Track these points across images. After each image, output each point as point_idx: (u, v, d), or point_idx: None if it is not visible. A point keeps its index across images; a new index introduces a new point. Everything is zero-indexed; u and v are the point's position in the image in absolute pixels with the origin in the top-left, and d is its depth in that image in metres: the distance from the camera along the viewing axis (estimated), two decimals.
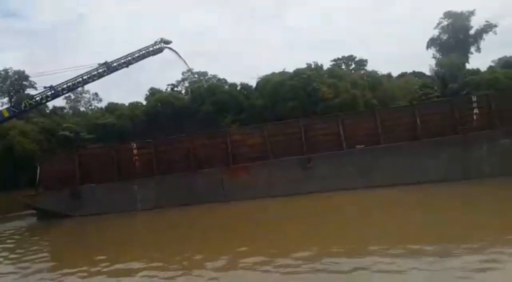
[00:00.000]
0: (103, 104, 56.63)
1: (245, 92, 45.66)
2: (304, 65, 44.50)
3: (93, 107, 60.05)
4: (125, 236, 14.89)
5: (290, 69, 43.66)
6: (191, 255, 10.39)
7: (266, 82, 42.81)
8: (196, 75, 53.34)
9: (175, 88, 56.68)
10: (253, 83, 46.43)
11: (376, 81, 44.24)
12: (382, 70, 52.15)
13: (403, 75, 53.35)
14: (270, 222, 14.51)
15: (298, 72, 41.74)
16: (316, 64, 46.00)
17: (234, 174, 19.39)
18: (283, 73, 43.91)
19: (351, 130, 19.91)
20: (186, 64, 36.24)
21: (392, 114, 20.73)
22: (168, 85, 56.95)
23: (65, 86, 25.41)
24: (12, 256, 12.91)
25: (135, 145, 20.86)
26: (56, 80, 26.76)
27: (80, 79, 25.68)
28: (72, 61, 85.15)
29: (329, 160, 19.01)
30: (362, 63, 54.44)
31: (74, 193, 19.29)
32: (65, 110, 54.39)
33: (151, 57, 28.91)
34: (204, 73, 56.08)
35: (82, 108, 59.03)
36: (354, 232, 11.18)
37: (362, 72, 51.25)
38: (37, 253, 12.91)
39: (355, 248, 9.32)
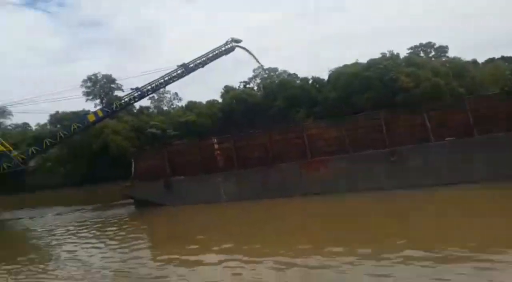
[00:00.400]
0: (183, 103, 60.31)
1: (317, 85, 45.40)
2: (378, 56, 43.00)
3: (174, 106, 64.21)
4: (217, 225, 15.96)
5: (363, 60, 42.50)
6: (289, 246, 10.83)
7: (339, 75, 42.14)
8: (267, 71, 54.20)
9: (247, 85, 58.32)
10: (324, 76, 46.03)
11: (460, 69, 41.09)
12: (466, 56, 48.05)
13: (491, 61, 48.78)
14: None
15: (372, 63, 40.42)
16: (392, 53, 44.06)
17: (312, 167, 19.33)
18: (356, 64, 42.84)
19: (438, 122, 18.47)
20: (257, 61, 37.00)
21: (485, 103, 18.72)
22: (241, 82, 58.89)
23: (149, 87, 27.52)
24: (111, 242, 14.61)
25: (216, 140, 22.16)
26: (140, 82, 29.15)
27: (162, 80, 27.57)
28: (153, 64, 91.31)
29: (415, 153, 17.84)
30: (442, 50, 50.90)
31: (167, 184, 21.01)
32: (150, 110, 58.86)
33: (223, 57, 30.04)
34: (275, 69, 56.85)
35: (165, 107, 63.41)
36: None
37: (444, 59, 47.88)
38: (136, 239, 14.41)
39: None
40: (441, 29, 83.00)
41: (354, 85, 38.79)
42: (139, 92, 27.20)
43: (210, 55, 28.58)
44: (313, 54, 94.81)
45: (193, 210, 19.24)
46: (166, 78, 27.61)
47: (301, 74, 49.54)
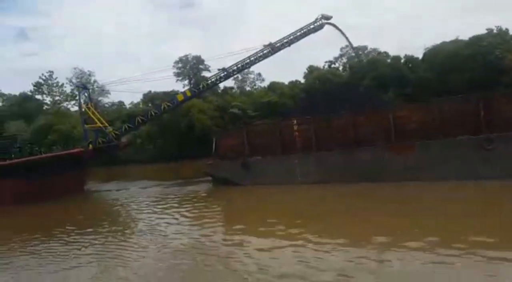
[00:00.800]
0: (265, 84, 60.56)
1: (410, 65, 41.82)
2: (483, 31, 37.85)
3: (256, 86, 64.84)
4: (291, 207, 15.75)
5: (465, 36, 37.81)
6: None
7: (436, 53, 38.21)
8: (354, 50, 51.44)
9: (332, 65, 56.17)
10: (419, 54, 42.14)
11: None
12: None
13: None
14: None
15: (475, 40, 35.74)
16: (500, 29, 38.41)
17: (398, 151, 18.17)
18: (456, 41, 38.35)
19: None
20: (347, 38, 34.77)
21: None
22: (326, 62, 56.92)
23: (235, 68, 27.61)
24: (186, 216, 15.39)
25: (295, 121, 21.72)
26: (226, 62, 29.59)
27: (248, 60, 27.41)
28: (239, 44, 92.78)
29: None
30: None
31: (244, 164, 21.29)
32: (234, 90, 60.27)
33: (311, 35, 28.93)
34: (364, 47, 53.73)
35: (247, 88, 64.42)
36: None
37: None
38: (209, 216, 14.97)
39: None
40: None
41: (453, 64, 34.86)
42: (225, 73, 27.56)
43: (298, 34, 27.71)
44: (405, 31, 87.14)
45: (268, 191, 19.25)
46: (252, 58, 27.41)
47: (392, 53, 46.13)
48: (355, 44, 48.50)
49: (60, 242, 13.20)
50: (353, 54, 50.80)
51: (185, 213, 15.90)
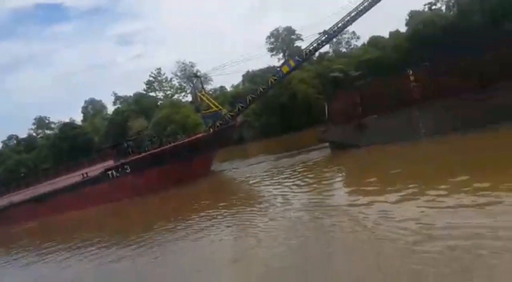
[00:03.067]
0: (361, 42, 57.56)
1: None
2: None
3: (352, 46, 62.05)
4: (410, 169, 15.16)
5: None
6: None
7: None
8: None
9: (433, 7, 50.45)
10: None
11: None
12: None
13: None
14: None
15: None
16: None
17: None
18: None
19: None
20: None
21: None
22: (425, 5, 51.31)
23: (335, 28, 26.45)
24: (307, 183, 15.96)
25: (411, 72, 20.49)
26: (318, 29, 28.26)
27: (349, 17, 26.01)
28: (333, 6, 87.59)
29: None
30: None
31: (360, 125, 20.98)
32: (330, 54, 58.66)
33: None
34: None
35: (343, 50, 62.08)
36: None
37: None
38: (328, 182, 15.41)
39: None
40: None
41: None
42: (326, 36, 26.69)
43: None
44: None
45: (387, 151, 18.74)
46: (353, 14, 25.86)
47: None
48: None
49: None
50: None
51: (307, 180, 16.58)
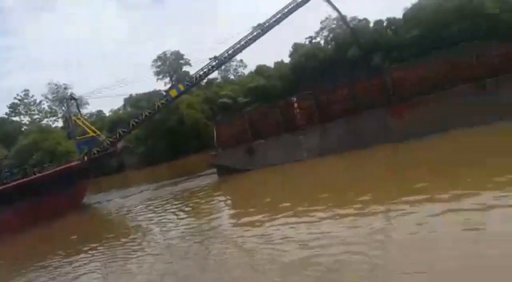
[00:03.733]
0: (248, 70, 59.53)
1: (393, 27, 41.31)
2: None
3: (240, 73, 63.75)
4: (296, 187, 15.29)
5: None
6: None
7: (419, 10, 37.67)
8: (335, 22, 50.55)
9: (313, 40, 55.17)
10: (400, 15, 41.59)
11: None
12: None
13: None
14: None
15: None
16: None
17: (399, 113, 18.53)
18: None
19: None
20: (335, 8, 33.29)
21: None
22: (306, 38, 55.81)
23: (226, 54, 26.67)
24: (190, 213, 14.79)
25: (295, 99, 21.47)
26: (207, 54, 28.14)
27: (239, 45, 26.52)
28: (221, 32, 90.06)
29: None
30: None
31: (249, 149, 20.84)
32: (218, 80, 59.12)
33: (300, 10, 27.82)
34: (343, 18, 52.69)
35: (231, 76, 63.32)
36: None
37: None
38: (216, 204, 14.72)
39: None
40: None
41: (440, 18, 34.35)
42: (216, 61, 26.61)
43: (285, 10, 26.76)
44: None
45: (276, 173, 18.86)
46: (243, 42, 26.44)
47: (372, 18, 45.36)
48: (333, 16, 47.84)
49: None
50: (334, 25, 50.03)
51: (189, 209, 15.41)
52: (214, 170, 22.38)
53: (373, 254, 6.87)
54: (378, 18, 43.55)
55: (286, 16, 26.49)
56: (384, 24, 42.08)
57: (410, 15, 38.92)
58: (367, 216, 8.87)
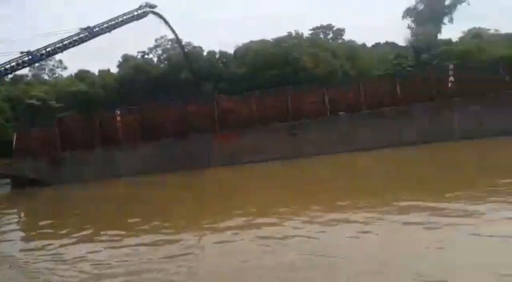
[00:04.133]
0: (67, 73, 53.61)
1: (224, 60, 44.45)
2: (284, 33, 44.05)
3: (57, 75, 56.61)
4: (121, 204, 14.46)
5: (270, 37, 43.24)
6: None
7: (247, 50, 41.84)
8: (170, 42, 51.03)
9: (146, 56, 54.06)
10: (231, 51, 45.28)
11: (354, 52, 44.18)
12: (358, 39, 51.65)
13: (376, 45, 53.52)
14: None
15: (279, 40, 41.02)
16: (297, 33, 45.50)
17: (223, 140, 20.17)
18: (263, 41, 43.00)
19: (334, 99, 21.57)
20: (172, 29, 33.94)
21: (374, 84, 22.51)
22: (139, 52, 54.24)
23: (43, 51, 23.20)
24: None
25: (119, 113, 20.49)
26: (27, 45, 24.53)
27: (60, 44, 23.55)
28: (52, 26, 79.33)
29: (313, 126, 20.69)
30: (339, 32, 54.07)
31: (55, 160, 18.56)
32: (28, 78, 50.91)
33: (134, 22, 27.15)
34: (179, 41, 53.71)
35: (45, 77, 55.55)
36: None
37: (339, 41, 51.20)
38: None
39: None
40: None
41: (261, 61, 38.92)
42: (30, 57, 22.67)
43: (120, 19, 25.38)
44: (219, 29, 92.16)
45: (84, 190, 17.41)
46: (66, 42, 23.58)
47: (206, 48, 47.84)
48: (169, 37, 48.30)
49: None
50: (168, 46, 50.36)
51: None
52: (8, 180, 19.09)
53: None
54: (211, 49, 46.30)
55: (120, 26, 25.50)
56: (217, 56, 44.84)
57: (239, 52, 42.80)
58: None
